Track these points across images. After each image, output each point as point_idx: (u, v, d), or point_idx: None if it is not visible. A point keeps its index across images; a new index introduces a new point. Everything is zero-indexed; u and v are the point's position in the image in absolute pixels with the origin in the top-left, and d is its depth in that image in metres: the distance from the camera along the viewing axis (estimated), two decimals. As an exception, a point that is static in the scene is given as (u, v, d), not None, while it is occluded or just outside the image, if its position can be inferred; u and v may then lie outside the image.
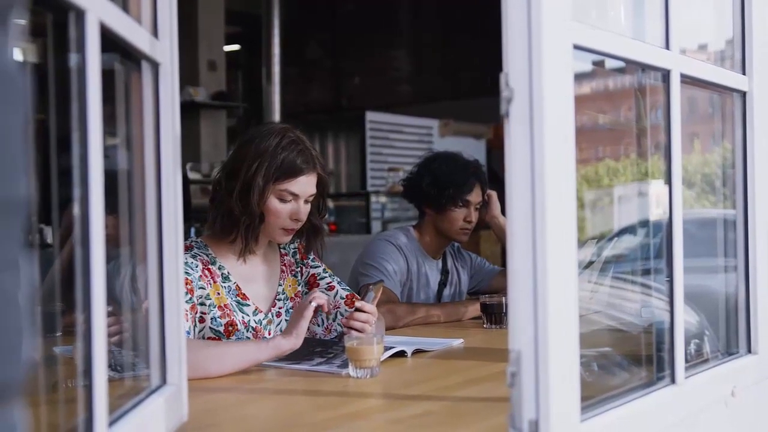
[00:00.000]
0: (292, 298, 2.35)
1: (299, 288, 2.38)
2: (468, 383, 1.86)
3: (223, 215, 2.20)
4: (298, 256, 2.41)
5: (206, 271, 2.18)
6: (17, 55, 0.62)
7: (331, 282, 2.39)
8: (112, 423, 1.10)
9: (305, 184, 2.20)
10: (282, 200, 2.19)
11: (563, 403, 1.19)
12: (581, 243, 1.53)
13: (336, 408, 1.64)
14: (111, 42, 1.12)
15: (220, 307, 2.17)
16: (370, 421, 1.56)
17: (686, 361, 1.56)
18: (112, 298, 1.16)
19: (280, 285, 2.34)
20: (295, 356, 2.06)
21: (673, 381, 1.52)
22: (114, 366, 1.37)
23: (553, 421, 1.16)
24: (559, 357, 1.18)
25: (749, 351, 1.83)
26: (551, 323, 1.16)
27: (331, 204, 7.75)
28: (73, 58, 1.01)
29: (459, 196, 2.99)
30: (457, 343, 2.36)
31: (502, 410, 1.43)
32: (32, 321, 0.62)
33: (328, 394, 1.75)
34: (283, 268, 2.37)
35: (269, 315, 2.28)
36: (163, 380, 1.38)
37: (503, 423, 1.22)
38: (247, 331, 2.20)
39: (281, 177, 2.17)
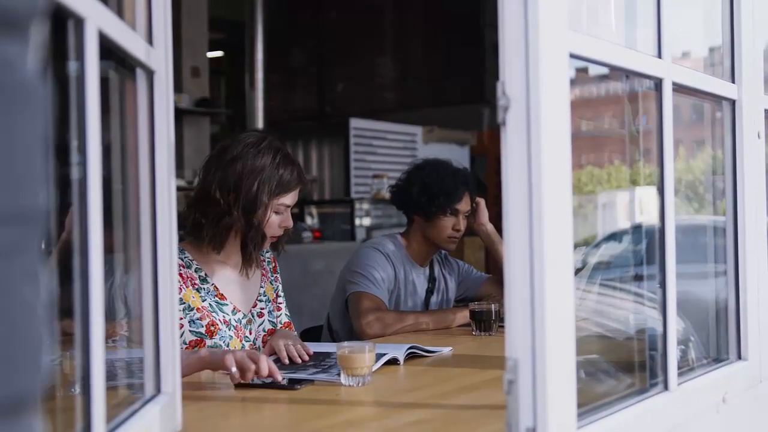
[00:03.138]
0: (273, 300, 2.44)
1: (274, 294, 2.47)
2: (461, 391, 1.86)
3: (223, 230, 2.25)
4: (271, 267, 2.51)
5: (178, 276, 2.19)
6: (36, 65, 0.62)
7: (281, 303, 2.51)
8: (108, 433, 1.09)
9: (296, 195, 2.33)
10: (277, 213, 2.29)
11: (560, 410, 1.19)
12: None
13: (330, 416, 1.64)
14: (106, 49, 1.12)
15: (198, 309, 2.22)
16: (364, 429, 1.56)
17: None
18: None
19: (261, 287, 2.42)
20: (289, 367, 2.05)
21: (666, 388, 1.53)
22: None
23: (550, 428, 1.17)
24: (556, 364, 1.18)
25: (739, 357, 1.84)
26: (548, 331, 1.16)
27: (314, 211, 7.74)
28: (71, 66, 1.01)
29: (448, 204, 2.98)
30: (447, 350, 2.36)
31: (496, 418, 1.43)
32: (50, 332, 0.62)
33: (321, 402, 1.74)
34: (263, 272, 2.46)
35: (249, 315, 2.35)
36: (158, 389, 1.37)
37: (497, 430, 1.23)
38: (229, 329, 2.26)
39: (281, 192, 2.27)
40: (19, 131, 0.59)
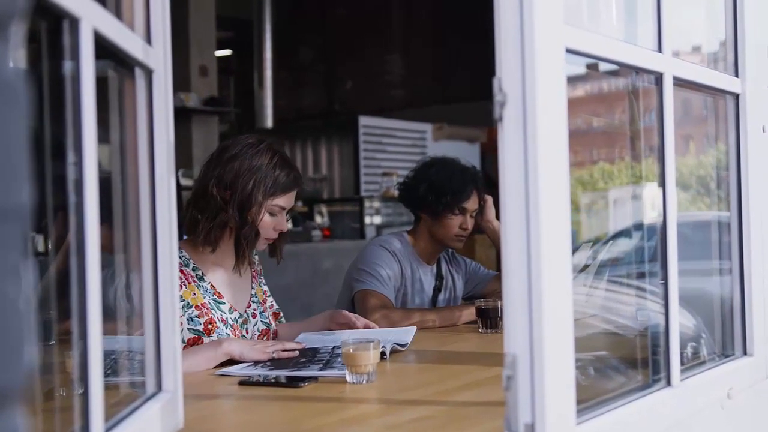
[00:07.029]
0: (262, 302, 2.48)
1: (263, 296, 2.51)
2: (464, 387, 1.86)
3: (218, 227, 2.28)
4: (259, 269, 2.54)
5: (179, 273, 2.23)
6: (17, 63, 0.62)
7: (271, 305, 2.54)
8: (108, 430, 1.10)
9: (292, 198, 2.36)
10: (271, 214, 2.32)
11: (559, 406, 1.19)
12: (576, 246, 1.53)
13: (333, 413, 1.64)
14: (104, 48, 1.12)
15: (197, 306, 2.26)
16: (367, 426, 1.56)
17: (682, 364, 1.56)
18: (107, 307, 1.16)
19: (252, 288, 2.46)
20: (292, 365, 2.05)
21: (668, 383, 1.52)
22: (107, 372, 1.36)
23: (548, 424, 1.16)
24: (554, 360, 1.18)
25: (744, 353, 1.83)
26: (546, 326, 1.16)
27: (324, 209, 7.74)
28: (66, 65, 1.01)
29: (456, 203, 2.97)
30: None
31: (498, 414, 1.42)
32: (33, 327, 0.62)
33: (325, 399, 1.74)
34: (254, 274, 2.50)
35: (245, 315, 2.39)
36: (159, 387, 1.38)
37: (500, 427, 1.22)
38: (226, 327, 2.29)
39: (276, 193, 2.30)
40: (2, 129, 0.59)
